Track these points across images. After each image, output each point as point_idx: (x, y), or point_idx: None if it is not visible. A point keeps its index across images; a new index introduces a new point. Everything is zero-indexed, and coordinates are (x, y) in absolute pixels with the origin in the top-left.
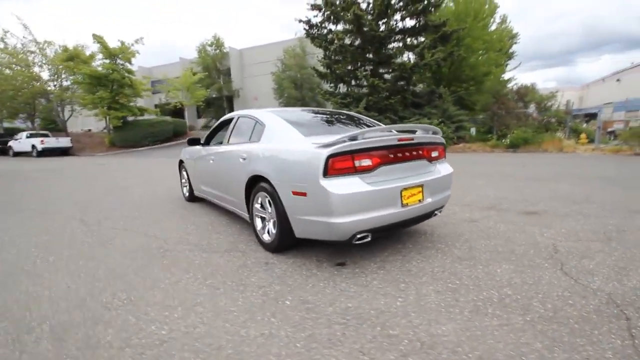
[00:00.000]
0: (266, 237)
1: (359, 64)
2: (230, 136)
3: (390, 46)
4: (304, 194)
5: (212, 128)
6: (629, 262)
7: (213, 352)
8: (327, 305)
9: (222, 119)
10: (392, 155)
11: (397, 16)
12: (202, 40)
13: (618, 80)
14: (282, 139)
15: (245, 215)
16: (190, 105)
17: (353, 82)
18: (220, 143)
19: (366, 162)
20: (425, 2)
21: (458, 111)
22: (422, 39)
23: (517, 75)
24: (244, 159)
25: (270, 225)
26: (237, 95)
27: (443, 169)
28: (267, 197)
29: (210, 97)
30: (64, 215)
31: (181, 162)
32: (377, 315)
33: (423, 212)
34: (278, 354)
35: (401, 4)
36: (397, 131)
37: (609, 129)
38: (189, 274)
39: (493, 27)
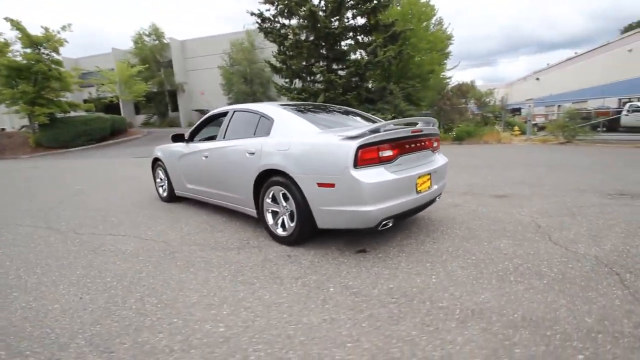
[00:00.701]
0: (280, 232)
1: (314, 60)
2: (226, 131)
3: (344, 43)
4: (331, 185)
5: (197, 124)
6: (597, 230)
7: (286, 341)
8: (371, 288)
9: (210, 113)
10: (407, 146)
11: (349, 14)
12: (138, 30)
13: (537, 79)
14: (297, 133)
15: (251, 211)
16: (128, 100)
17: (309, 78)
18: (211, 139)
19: (388, 153)
20: (375, 1)
21: (408, 107)
22: (373, 37)
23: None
24: (252, 153)
25: (285, 219)
26: (182, 90)
27: (441, 158)
28: (282, 190)
29: (151, 92)
30: (24, 224)
31: (156, 160)
32: (421, 292)
33: (430, 199)
34: (350, 335)
35: (352, 2)
36: (405, 124)
37: (533, 122)
38: (214, 273)
39: (434, 29)
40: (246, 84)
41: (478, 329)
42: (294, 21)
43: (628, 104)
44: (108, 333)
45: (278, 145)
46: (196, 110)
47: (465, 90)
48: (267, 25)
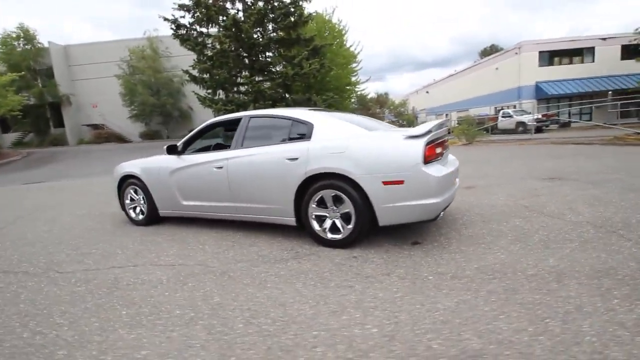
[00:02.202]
0: (331, 236)
1: (238, 70)
2: (243, 139)
3: (269, 54)
4: (399, 182)
5: (191, 134)
6: (567, 204)
7: (447, 326)
8: (461, 271)
9: (208, 122)
10: (444, 145)
11: (272, 27)
12: (2, 32)
13: (427, 92)
14: (346, 135)
15: (288, 220)
16: None
17: (234, 89)
18: (214, 149)
19: (439, 150)
20: (296, 17)
21: None
22: (295, 50)
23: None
24: (294, 159)
25: (338, 222)
26: (68, 103)
27: (453, 157)
28: (333, 193)
29: (27, 105)
30: None
31: (126, 178)
32: (504, 266)
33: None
34: (492, 309)
35: (274, 15)
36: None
37: None
38: (298, 284)
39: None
40: (152, 94)
41: (574, 283)
42: (213, 30)
43: (501, 111)
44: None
45: (330, 148)
46: (88, 126)
47: (382, 101)
48: (182, 32)
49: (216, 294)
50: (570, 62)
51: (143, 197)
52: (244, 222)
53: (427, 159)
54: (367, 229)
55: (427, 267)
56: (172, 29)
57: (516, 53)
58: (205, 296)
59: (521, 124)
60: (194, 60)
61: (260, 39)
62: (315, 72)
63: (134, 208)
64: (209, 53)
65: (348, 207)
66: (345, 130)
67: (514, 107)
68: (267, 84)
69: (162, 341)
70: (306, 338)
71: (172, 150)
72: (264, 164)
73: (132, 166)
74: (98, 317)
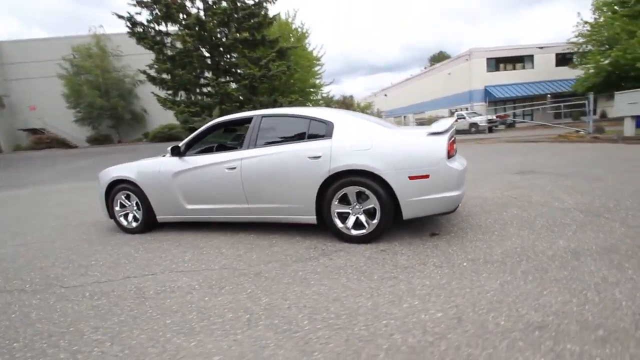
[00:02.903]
0: (355, 231)
1: (201, 71)
2: (257, 139)
3: (234, 55)
4: (425, 177)
5: (195, 135)
6: (548, 193)
7: (500, 305)
8: (489, 256)
9: (215, 122)
10: (455, 142)
11: (235, 27)
12: None
13: (385, 95)
14: (368, 133)
15: (309, 219)
16: None
17: (198, 90)
18: (218, 150)
19: (455, 147)
20: (261, 17)
21: None
22: (261, 52)
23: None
24: (316, 157)
25: (362, 218)
26: (1, 105)
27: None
28: (357, 190)
29: None
30: None
31: (115, 184)
32: (525, 250)
33: None
34: (539, 285)
35: (238, 16)
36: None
37: None
38: (342, 279)
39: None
40: (101, 95)
41: (589, 260)
42: (173, 28)
43: (456, 113)
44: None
45: (355, 146)
46: (25, 130)
47: (349, 103)
48: (138, 30)
49: (262, 295)
50: (514, 68)
51: (137, 203)
52: (251, 224)
53: (449, 154)
54: (390, 223)
55: (457, 255)
56: (127, 26)
57: (467, 59)
58: (252, 298)
59: (474, 124)
60: (153, 60)
61: (225, 39)
62: (282, 74)
63: (126, 215)
64: (170, 52)
65: (372, 202)
66: (365, 128)
67: (467, 109)
68: (233, 86)
69: (230, 345)
70: (379, 327)
71: (175, 151)
72: (283, 163)
73: (124, 170)
74: (141, 329)
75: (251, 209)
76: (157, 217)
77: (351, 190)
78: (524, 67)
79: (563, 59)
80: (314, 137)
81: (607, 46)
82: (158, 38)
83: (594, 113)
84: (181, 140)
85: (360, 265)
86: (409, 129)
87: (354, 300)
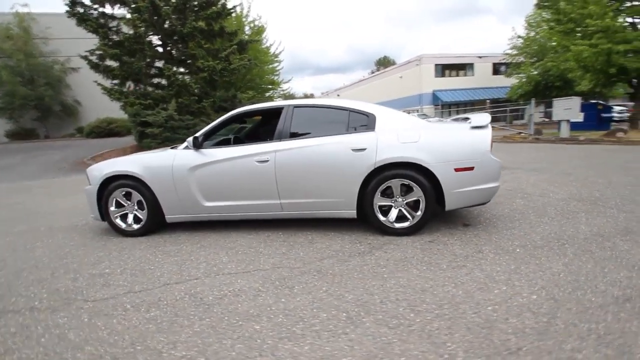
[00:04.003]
0: (399, 224)
1: (152, 60)
2: (290, 130)
3: (190, 45)
4: (470, 169)
5: (214, 124)
6: (534, 186)
7: (577, 284)
8: (534, 241)
9: (239, 111)
10: None
11: (193, 16)
12: None
13: (338, 95)
14: (410, 126)
15: (349, 213)
16: None
17: (149, 81)
18: (226, 143)
19: None
20: (219, 6)
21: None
22: (218, 44)
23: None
24: (361, 149)
25: (404, 210)
26: None
27: None
28: (402, 182)
29: None
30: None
31: (111, 181)
32: (557, 236)
33: None
34: (597, 265)
35: (195, 3)
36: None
37: None
38: (413, 270)
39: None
40: (24, 83)
41: (618, 240)
42: (120, 12)
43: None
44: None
45: (402, 138)
46: None
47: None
48: (79, 10)
49: (343, 292)
50: (457, 75)
51: (141, 201)
52: (265, 221)
53: (490, 147)
54: (432, 215)
55: (504, 243)
56: (66, 4)
57: (417, 64)
58: (333, 295)
59: None
60: (96, 44)
61: (182, 28)
62: (243, 68)
63: (124, 216)
64: (116, 38)
65: (416, 195)
66: (408, 121)
67: (417, 111)
68: (188, 78)
69: (351, 345)
70: (488, 313)
71: (196, 143)
72: (324, 155)
73: (125, 165)
74: (231, 338)
75: (283, 205)
76: (166, 217)
77: (396, 183)
78: (466, 74)
79: (499, 69)
80: (354, 129)
81: (535, 58)
82: (102, 21)
83: (522, 118)
84: (122, 136)
85: (420, 256)
86: (447, 123)
87: (442, 290)
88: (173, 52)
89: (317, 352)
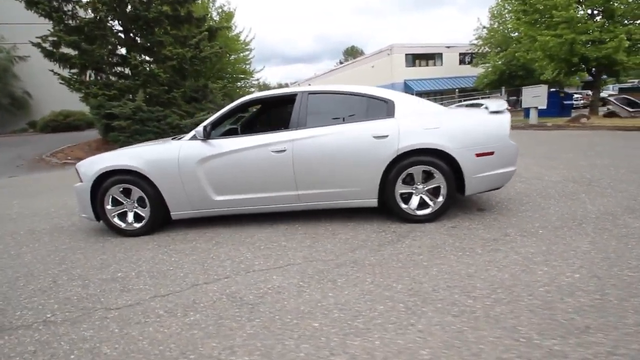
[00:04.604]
0: (420, 212)
1: (114, 48)
2: (306, 118)
3: (157, 32)
4: (490, 153)
5: (222, 113)
6: (527, 170)
7: (610, 261)
8: (553, 222)
9: (248, 98)
10: None
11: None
12: None
13: (309, 85)
14: (429, 112)
15: (370, 202)
16: None
17: (112, 70)
18: (245, 132)
19: None
20: None
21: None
22: (186, 30)
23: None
24: (382, 137)
25: (425, 197)
26: None
27: None
28: (424, 169)
29: None
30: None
31: (104, 178)
32: (573, 217)
33: None
34: (622, 243)
35: None
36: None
37: None
38: (448, 258)
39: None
40: None
41: (627, 217)
42: None
43: None
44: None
45: (424, 124)
46: None
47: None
48: None
49: (390, 282)
50: (427, 65)
51: (142, 198)
52: (286, 213)
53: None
54: (452, 201)
55: (525, 225)
56: None
57: (388, 54)
58: (381, 286)
59: None
60: (50, 30)
61: (146, 12)
62: (214, 56)
63: (122, 214)
64: (73, 23)
65: (437, 181)
66: (425, 107)
67: None
68: (155, 67)
69: (423, 336)
70: (542, 294)
71: (205, 133)
72: (344, 143)
73: (123, 158)
74: (292, 338)
75: (300, 196)
76: (172, 213)
77: (417, 170)
78: (435, 64)
79: (468, 59)
80: (373, 115)
81: (499, 49)
82: (56, 4)
83: None
84: (82, 129)
85: (451, 242)
86: (464, 109)
87: (489, 274)
88: (137, 39)
89: (390, 347)
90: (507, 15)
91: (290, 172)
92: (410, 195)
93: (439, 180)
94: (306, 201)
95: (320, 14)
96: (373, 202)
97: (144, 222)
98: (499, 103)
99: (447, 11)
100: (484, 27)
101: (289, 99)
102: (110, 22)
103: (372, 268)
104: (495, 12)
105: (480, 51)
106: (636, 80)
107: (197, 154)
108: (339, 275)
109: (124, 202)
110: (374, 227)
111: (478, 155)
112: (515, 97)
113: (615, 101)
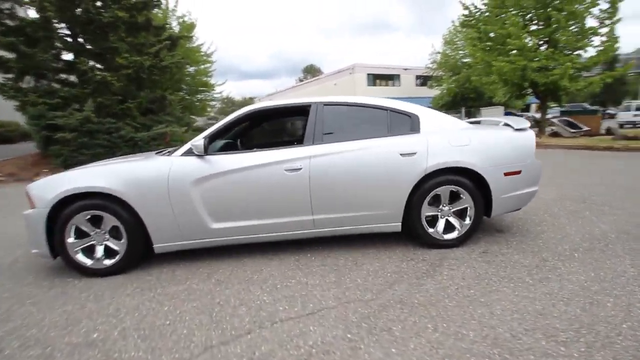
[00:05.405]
0: (448, 235)
1: (59, 52)
2: (322, 132)
3: (112, 38)
4: (518, 172)
5: (220, 125)
6: None
7: None
8: (580, 244)
9: (251, 109)
10: None
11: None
12: None
13: (271, 99)
14: (451, 127)
15: (393, 227)
16: None
17: (56, 76)
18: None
19: None
20: None
21: (192, 118)
22: (143, 38)
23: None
24: (410, 154)
25: (453, 220)
26: None
27: None
28: (451, 189)
29: None
30: None
31: (65, 204)
32: (593, 235)
33: None
34: None
35: None
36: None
37: None
38: (504, 291)
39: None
40: None
41: (631, 240)
42: None
43: None
44: None
45: (454, 141)
46: None
47: (249, 103)
48: None
49: (457, 329)
50: (387, 85)
51: (117, 227)
52: (290, 242)
53: None
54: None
55: (555, 248)
56: None
57: (350, 73)
58: (451, 336)
59: None
60: None
61: (101, 16)
62: (175, 66)
63: (89, 249)
64: (10, 22)
65: (465, 202)
66: (451, 122)
67: None
68: (107, 74)
69: None
70: (630, 332)
71: (201, 148)
72: (369, 161)
73: (91, 178)
74: None
75: (316, 222)
76: (155, 246)
77: (445, 191)
78: (394, 85)
79: (422, 81)
80: (396, 130)
81: (451, 73)
82: None
83: None
84: (15, 142)
85: (493, 270)
86: (487, 125)
87: (558, 311)
88: (87, 44)
89: None
90: (458, 42)
91: (306, 194)
92: (434, 218)
93: (466, 201)
94: (322, 227)
95: (276, 33)
96: (397, 226)
97: (117, 257)
98: (519, 121)
99: (395, 36)
100: (438, 52)
101: (300, 110)
102: (56, 24)
103: (424, 309)
104: (448, 38)
105: (435, 74)
106: (567, 105)
107: (193, 173)
108: (390, 321)
109: (92, 234)
110: (398, 255)
111: (507, 174)
112: (467, 118)
113: (558, 122)
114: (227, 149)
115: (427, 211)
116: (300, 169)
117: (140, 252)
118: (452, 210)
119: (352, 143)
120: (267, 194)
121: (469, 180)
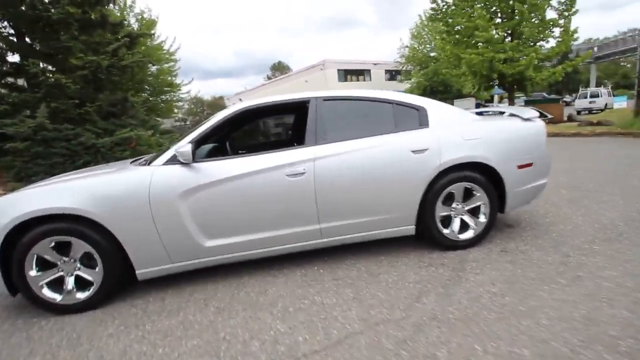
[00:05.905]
0: (463, 236)
1: (5, 53)
2: (325, 130)
3: (63, 37)
4: (529, 165)
5: (208, 127)
6: None
7: None
8: (592, 238)
9: (243, 107)
10: None
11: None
12: None
13: (240, 99)
14: (461, 120)
15: (406, 230)
16: None
17: (3, 80)
18: (223, 151)
19: None
20: None
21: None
22: (98, 36)
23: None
24: (422, 150)
25: (467, 218)
26: None
27: None
28: (465, 186)
29: None
30: None
31: (24, 230)
32: (602, 225)
33: None
34: None
35: None
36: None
37: None
38: (539, 293)
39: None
40: None
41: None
42: None
43: None
44: None
45: (466, 135)
46: None
47: (222, 104)
48: None
49: (509, 348)
50: (358, 80)
51: (89, 254)
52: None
53: None
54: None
55: (572, 241)
56: None
57: (321, 69)
58: (505, 357)
59: None
60: None
61: (50, 13)
62: (136, 66)
63: (56, 282)
64: None
65: (480, 199)
66: (459, 114)
67: None
68: (60, 76)
69: None
70: None
71: (189, 155)
72: (380, 160)
73: (54, 197)
74: None
75: (323, 231)
76: (137, 272)
77: (459, 188)
78: (365, 79)
79: (391, 75)
80: (403, 125)
81: (419, 67)
82: None
83: None
84: None
85: (519, 272)
86: (495, 116)
87: (606, 315)
88: (36, 44)
89: None
90: (425, 36)
91: (312, 201)
92: (447, 218)
93: (480, 198)
94: (329, 236)
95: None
96: (410, 229)
97: (92, 289)
98: (528, 111)
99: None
100: (406, 47)
101: (297, 107)
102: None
103: (465, 326)
104: (415, 32)
105: (404, 69)
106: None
107: (179, 184)
108: (430, 345)
109: (59, 263)
110: (413, 260)
111: (520, 167)
112: None
113: None
114: (215, 153)
115: (441, 211)
116: (304, 172)
117: (116, 281)
118: (465, 209)
119: (359, 141)
120: (268, 204)
121: (482, 175)
